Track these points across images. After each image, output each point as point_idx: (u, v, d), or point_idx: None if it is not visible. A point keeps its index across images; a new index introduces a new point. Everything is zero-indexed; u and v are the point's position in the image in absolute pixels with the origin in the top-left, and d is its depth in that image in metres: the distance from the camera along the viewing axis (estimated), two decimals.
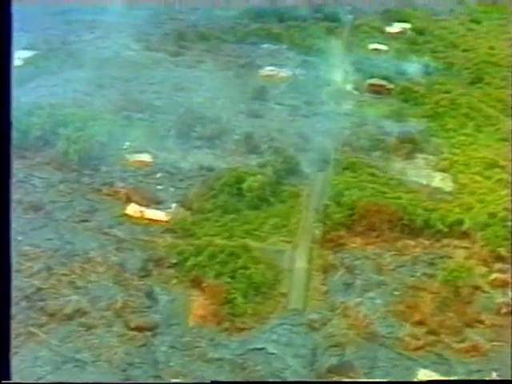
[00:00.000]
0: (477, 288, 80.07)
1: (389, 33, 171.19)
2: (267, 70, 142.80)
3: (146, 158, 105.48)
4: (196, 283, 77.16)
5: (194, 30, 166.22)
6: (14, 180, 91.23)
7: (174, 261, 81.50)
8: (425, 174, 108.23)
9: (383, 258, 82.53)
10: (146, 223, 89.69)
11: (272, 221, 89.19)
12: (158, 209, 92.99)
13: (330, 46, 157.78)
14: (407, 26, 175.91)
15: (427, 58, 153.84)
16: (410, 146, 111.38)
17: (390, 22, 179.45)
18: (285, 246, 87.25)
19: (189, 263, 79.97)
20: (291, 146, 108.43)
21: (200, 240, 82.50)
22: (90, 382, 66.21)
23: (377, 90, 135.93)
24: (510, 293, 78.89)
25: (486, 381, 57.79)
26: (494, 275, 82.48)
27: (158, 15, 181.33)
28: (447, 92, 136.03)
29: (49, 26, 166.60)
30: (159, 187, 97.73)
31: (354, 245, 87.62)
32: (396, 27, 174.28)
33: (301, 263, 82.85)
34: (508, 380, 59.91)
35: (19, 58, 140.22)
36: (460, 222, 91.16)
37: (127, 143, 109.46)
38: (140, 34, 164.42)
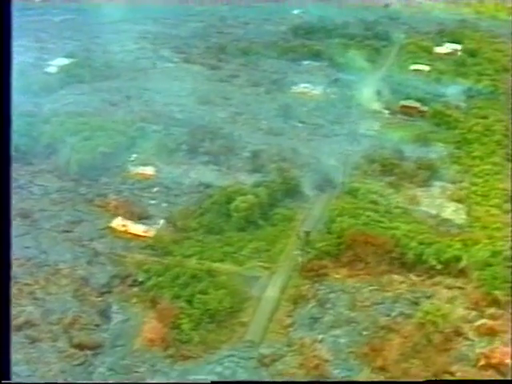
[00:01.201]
0: (459, 334, 70.88)
1: (437, 53, 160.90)
2: (301, 87, 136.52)
3: (149, 171, 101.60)
4: (153, 304, 72.47)
5: (236, 44, 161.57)
6: (14, 185, 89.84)
7: (140, 279, 77.32)
8: (437, 204, 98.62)
9: (362, 293, 74.23)
10: (129, 238, 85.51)
11: (255, 244, 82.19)
12: (145, 224, 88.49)
13: (371, 65, 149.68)
14: (458, 47, 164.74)
15: (472, 81, 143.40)
16: (428, 172, 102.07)
17: (441, 42, 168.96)
18: (261, 272, 79.76)
19: (150, 283, 75.29)
20: (300, 167, 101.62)
21: (169, 259, 77.81)
22: (90, 382, 64.66)
23: (409, 112, 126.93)
24: (496, 342, 70.09)
25: (486, 381, 58.15)
26: (482, 321, 73.08)
27: (207, 28, 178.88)
28: (484, 117, 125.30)
29: (97, 34, 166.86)
30: (152, 202, 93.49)
31: (337, 276, 79.65)
32: (446, 48, 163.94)
33: (272, 292, 75.66)
34: (508, 380, 60.72)
35: (55, 66, 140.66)
36: (457, 259, 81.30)
37: (135, 155, 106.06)
38: (184, 46, 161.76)
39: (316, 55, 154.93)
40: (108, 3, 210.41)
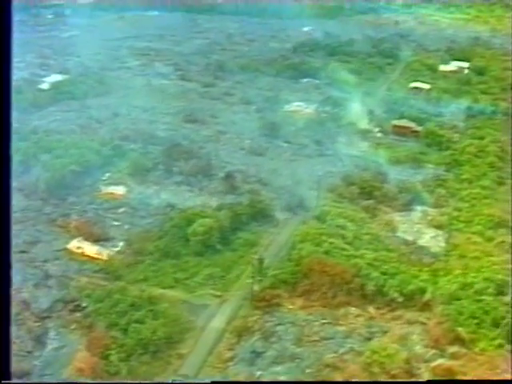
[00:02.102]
0: (411, 375, 65.05)
1: (442, 71, 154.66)
2: (294, 106, 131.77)
3: (119, 190, 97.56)
4: (89, 331, 68.34)
5: (236, 62, 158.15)
6: None
7: (84, 304, 73.28)
8: (415, 230, 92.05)
9: (312, 326, 68.37)
10: (84, 260, 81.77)
11: (210, 270, 76.97)
12: (104, 246, 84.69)
13: (371, 83, 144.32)
14: (465, 64, 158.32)
15: (474, 100, 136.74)
16: (410, 196, 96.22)
17: (449, 60, 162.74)
18: (212, 300, 74.25)
19: (90, 309, 71.25)
20: (276, 189, 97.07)
21: (113, 285, 73.60)
22: (90, 382, 60.88)
23: (401, 132, 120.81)
24: None
25: (485, 381, 55.58)
26: (439, 361, 67.08)
27: (211, 45, 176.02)
28: (480, 138, 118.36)
29: (99, 51, 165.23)
30: (115, 223, 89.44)
31: (290, 306, 73.84)
32: (452, 66, 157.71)
33: (218, 322, 70.23)
34: (508, 380, 57.69)
35: (48, 82, 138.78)
36: (422, 291, 75.96)
37: (108, 174, 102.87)
38: (184, 63, 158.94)
39: (315, 73, 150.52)
40: (119, 19, 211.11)
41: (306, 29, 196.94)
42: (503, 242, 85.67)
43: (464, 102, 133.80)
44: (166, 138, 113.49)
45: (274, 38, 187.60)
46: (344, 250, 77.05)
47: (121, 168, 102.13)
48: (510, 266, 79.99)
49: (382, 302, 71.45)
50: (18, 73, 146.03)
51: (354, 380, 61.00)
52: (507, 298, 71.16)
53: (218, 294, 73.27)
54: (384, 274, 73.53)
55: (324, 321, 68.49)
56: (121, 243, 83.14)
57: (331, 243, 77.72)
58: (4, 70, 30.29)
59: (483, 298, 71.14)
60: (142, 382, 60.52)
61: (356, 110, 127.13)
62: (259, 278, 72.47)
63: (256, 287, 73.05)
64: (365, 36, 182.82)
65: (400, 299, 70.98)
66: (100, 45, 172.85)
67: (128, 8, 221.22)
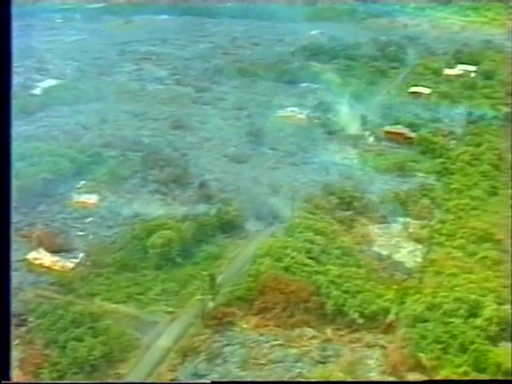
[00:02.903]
0: None
1: (446, 75, 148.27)
2: (287, 111, 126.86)
3: (91, 199, 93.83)
4: (28, 348, 64.83)
5: (236, 66, 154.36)
6: None
7: (31, 319, 69.86)
8: (393, 244, 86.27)
9: (262, 348, 63.46)
10: (42, 272, 78.52)
11: (166, 285, 72.21)
12: (64, 257, 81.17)
13: (370, 87, 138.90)
14: (472, 68, 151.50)
15: (477, 105, 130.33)
16: (392, 206, 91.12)
17: (454, 63, 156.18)
18: (162, 317, 69.55)
19: (32, 324, 67.78)
20: (253, 198, 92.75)
21: (60, 299, 70.00)
22: (89, 382, 59.12)
23: (394, 139, 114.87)
24: None
25: (485, 381, 54.36)
26: None
27: (214, 49, 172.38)
28: (477, 145, 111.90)
29: (100, 55, 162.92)
30: (80, 233, 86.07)
31: (244, 325, 68.81)
32: (457, 69, 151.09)
33: (164, 341, 65.37)
34: (508, 380, 55.86)
35: (41, 87, 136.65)
36: (385, 312, 70.64)
37: (83, 182, 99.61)
38: (182, 68, 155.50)
39: (315, 77, 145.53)
40: (127, 23, 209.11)
41: (313, 32, 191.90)
42: (485, 257, 79.77)
43: (465, 107, 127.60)
44: (149, 144, 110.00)
45: (280, 41, 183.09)
46: (306, 265, 72.09)
47: (97, 176, 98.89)
48: (489, 284, 74.78)
49: (341, 323, 66.33)
50: (14, 78, 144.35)
51: (355, 380, 58.08)
52: (478, 321, 65.56)
53: (170, 310, 69.16)
54: (346, 292, 68.41)
55: (276, 342, 63.75)
56: (81, 255, 79.65)
57: (293, 258, 72.88)
58: (4, 73, 31.58)
59: (452, 320, 65.61)
60: (141, 381, 58.18)
61: (349, 115, 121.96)
62: (211, 295, 68.12)
63: (210, 304, 68.85)
64: (372, 39, 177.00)
65: (360, 320, 65.87)
66: (102, 49, 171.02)
67: (138, 12, 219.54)
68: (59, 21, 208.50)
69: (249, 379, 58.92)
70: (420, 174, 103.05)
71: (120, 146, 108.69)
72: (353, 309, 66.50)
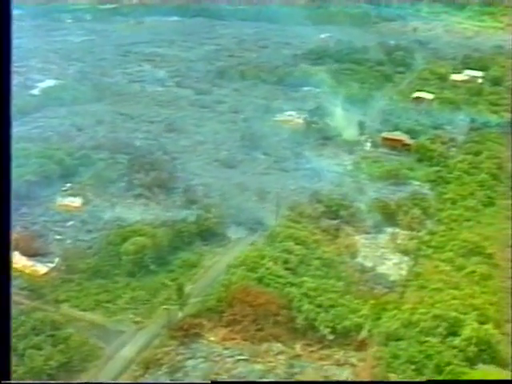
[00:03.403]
0: None
1: (453, 80, 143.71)
2: (285, 115, 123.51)
3: (75, 202, 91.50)
4: None
5: (239, 69, 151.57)
6: None
7: None
8: (378, 255, 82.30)
9: (226, 363, 59.89)
10: (14, 276, 75.84)
11: (136, 293, 69.82)
12: (40, 261, 78.98)
13: (372, 92, 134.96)
14: (479, 74, 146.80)
15: (481, 111, 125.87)
16: (380, 216, 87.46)
17: (462, 69, 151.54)
18: (129, 327, 66.18)
19: None
20: (237, 204, 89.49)
21: (26, 306, 67.58)
22: (89, 382, 57.63)
23: (392, 145, 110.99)
24: None
25: (485, 381, 53.20)
26: None
27: (220, 51, 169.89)
28: (476, 153, 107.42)
29: (105, 56, 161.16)
30: (59, 237, 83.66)
31: (212, 338, 65.70)
32: (464, 75, 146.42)
33: (128, 351, 62.04)
34: (508, 380, 54.66)
35: (40, 88, 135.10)
36: (359, 329, 67.02)
37: (69, 184, 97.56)
38: (185, 70, 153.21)
39: (317, 81, 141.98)
40: (137, 25, 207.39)
41: (323, 36, 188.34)
42: (474, 272, 75.74)
43: (469, 114, 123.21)
44: (140, 147, 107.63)
45: (288, 44, 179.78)
46: (280, 276, 68.85)
47: (84, 179, 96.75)
48: (474, 300, 70.73)
49: (312, 339, 63.02)
50: (16, 77, 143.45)
51: (355, 380, 56.49)
52: (457, 341, 61.71)
53: (138, 319, 66.44)
54: (319, 306, 65.02)
55: (241, 357, 60.68)
56: (57, 259, 77.31)
57: (268, 269, 69.69)
58: (4, 73, 30.18)
59: (428, 339, 61.87)
60: (141, 382, 56.45)
61: (348, 120, 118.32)
62: (178, 305, 65.24)
63: (180, 315, 66.01)
64: (379, 43, 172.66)
65: (331, 336, 62.44)
66: (107, 50, 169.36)
67: (149, 13, 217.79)
68: (69, 21, 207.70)
69: None
70: (415, 183, 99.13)
71: (111, 148, 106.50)
72: (324, 324, 63.10)
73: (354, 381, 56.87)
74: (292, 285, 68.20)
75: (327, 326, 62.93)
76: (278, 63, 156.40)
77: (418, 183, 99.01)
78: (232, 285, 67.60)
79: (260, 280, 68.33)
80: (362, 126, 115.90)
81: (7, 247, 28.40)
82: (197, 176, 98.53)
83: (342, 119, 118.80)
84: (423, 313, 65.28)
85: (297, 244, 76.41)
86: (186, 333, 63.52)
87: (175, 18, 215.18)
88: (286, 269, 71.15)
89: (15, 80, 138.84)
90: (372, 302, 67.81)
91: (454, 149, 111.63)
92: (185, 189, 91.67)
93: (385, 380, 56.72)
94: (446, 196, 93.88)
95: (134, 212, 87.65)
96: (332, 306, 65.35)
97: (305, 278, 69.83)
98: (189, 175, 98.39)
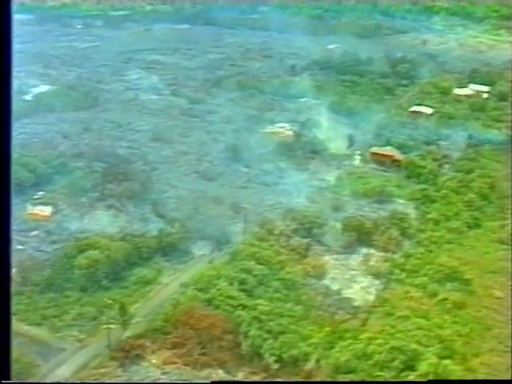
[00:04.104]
0: None
1: (456, 95, 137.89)
2: (276, 127, 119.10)
3: (45, 211, 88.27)
4: None
5: (237, 78, 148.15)
6: None
7: None
8: (347, 277, 77.43)
9: None
10: None
11: (83, 310, 66.25)
12: None
13: (369, 105, 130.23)
14: (485, 89, 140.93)
15: (482, 127, 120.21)
16: (355, 236, 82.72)
17: (468, 83, 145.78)
18: (72, 344, 62.02)
19: None
20: (208, 219, 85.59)
21: None
22: (92, 382, 56.57)
23: (381, 161, 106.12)
24: None
25: (485, 381, 52.18)
26: None
27: (223, 60, 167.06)
28: (469, 171, 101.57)
29: (106, 63, 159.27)
30: (20, 247, 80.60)
31: (154, 360, 61.29)
32: (468, 89, 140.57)
33: (64, 370, 57.61)
34: (508, 380, 53.83)
35: (33, 93, 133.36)
36: (307, 358, 62.37)
37: (41, 193, 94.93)
38: (183, 78, 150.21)
39: (315, 92, 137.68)
40: (145, 32, 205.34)
41: (331, 46, 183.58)
42: (446, 299, 70.65)
43: (468, 130, 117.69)
44: (121, 156, 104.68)
45: (294, 55, 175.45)
46: (232, 298, 64.76)
47: (58, 187, 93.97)
48: (441, 331, 65.61)
49: (257, 367, 58.83)
50: (14, 82, 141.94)
51: (355, 380, 54.86)
52: (412, 376, 56.84)
53: (83, 337, 62.97)
54: (268, 332, 60.81)
55: (179, 382, 56.71)
56: (13, 270, 74.23)
57: (220, 289, 65.69)
58: (4, 75, 30.42)
59: (381, 373, 57.20)
60: (141, 381, 55.06)
61: (339, 134, 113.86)
62: (120, 325, 61.57)
63: (127, 333, 62.38)
64: (387, 55, 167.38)
65: (276, 365, 58.08)
66: (110, 57, 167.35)
67: (161, 20, 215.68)
68: (79, 27, 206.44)
69: None
70: (399, 201, 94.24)
71: (91, 157, 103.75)
72: (270, 352, 58.91)
73: (354, 381, 54.83)
74: (244, 307, 64.08)
75: (273, 354, 58.71)
76: (279, 73, 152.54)
77: (402, 201, 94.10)
78: (179, 305, 63.82)
79: (210, 301, 64.41)
80: (352, 139, 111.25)
81: (7, 246, 28.40)
82: (172, 188, 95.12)
83: (333, 132, 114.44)
84: (380, 343, 60.56)
85: (258, 263, 72.23)
86: (127, 354, 59.93)
87: (186, 26, 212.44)
88: (241, 290, 67.04)
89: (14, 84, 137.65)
90: (328, 328, 63.29)
91: (447, 166, 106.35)
92: (155, 201, 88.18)
93: (385, 380, 54.81)
94: (429, 216, 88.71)
95: (101, 223, 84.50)
96: (282, 333, 61.05)
97: (259, 301, 65.67)
98: (164, 187, 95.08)
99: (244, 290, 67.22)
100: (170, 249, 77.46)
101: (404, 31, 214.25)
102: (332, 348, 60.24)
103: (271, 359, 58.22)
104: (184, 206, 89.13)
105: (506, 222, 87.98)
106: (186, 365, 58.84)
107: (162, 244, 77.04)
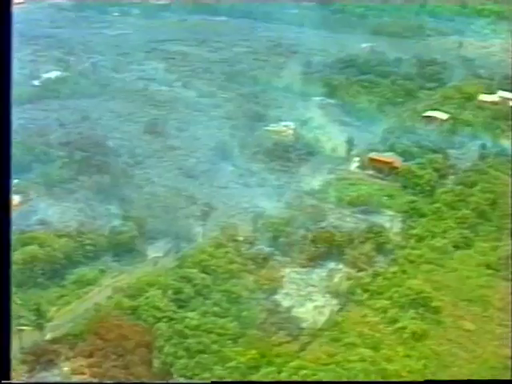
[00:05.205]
0: None
1: (480, 101, 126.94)
2: (280, 125, 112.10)
3: (14, 200, 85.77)
4: None
5: (254, 73, 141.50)
6: None
7: None
8: (303, 294, 69.00)
9: None
10: None
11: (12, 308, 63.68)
12: None
13: (383, 108, 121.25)
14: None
15: (498, 136, 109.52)
16: (326, 248, 75.18)
17: (496, 89, 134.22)
18: None
19: None
20: (175, 220, 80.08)
21: None
22: (91, 381, 54.64)
23: (378, 167, 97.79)
24: None
25: (486, 381, 49.39)
26: None
27: (247, 54, 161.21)
28: (470, 185, 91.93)
29: (128, 51, 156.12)
30: None
31: (66, 368, 56.61)
32: (495, 96, 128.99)
33: None
34: (508, 380, 51.96)
35: (42, 79, 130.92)
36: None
37: (16, 181, 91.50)
38: (199, 70, 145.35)
39: (331, 92, 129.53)
40: (180, 22, 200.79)
41: (364, 45, 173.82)
42: (404, 328, 62.52)
43: (483, 139, 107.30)
44: (109, 148, 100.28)
45: (322, 51, 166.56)
46: (158, 309, 59.09)
47: (34, 176, 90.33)
48: (386, 365, 57.67)
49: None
50: (30, 66, 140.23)
51: (355, 380, 52.96)
52: None
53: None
54: (186, 350, 54.74)
55: (179, 382, 51.81)
56: None
57: (148, 298, 60.01)
58: (4, 69, 28.55)
59: None
60: (141, 382, 53.02)
61: (343, 136, 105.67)
62: (35, 328, 56.87)
63: (48, 337, 57.71)
64: (417, 56, 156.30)
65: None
66: (134, 45, 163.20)
67: (198, 12, 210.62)
68: (115, 14, 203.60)
69: None
70: (387, 212, 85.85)
71: (79, 147, 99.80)
72: (180, 372, 52.97)
73: (354, 381, 53.09)
74: (169, 320, 58.41)
75: (183, 376, 52.70)
76: (298, 70, 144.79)
77: (390, 213, 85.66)
78: (100, 311, 58.55)
79: (134, 310, 59.02)
80: (351, 143, 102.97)
81: (7, 246, 26.77)
82: (149, 184, 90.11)
83: (336, 134, 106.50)
84: (307, 374, 53.59)
85: (203, 272, 66.21)
86: (40, 358, 55.34)
87: (222, 18, 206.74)
88: (174, 300, 61.34)
89: (25, 69, 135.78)
90: (255, 351, 56.47)
91: (452, 177, 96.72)
92: (123, 198, 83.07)
93: (385, 380, 53.19)
94: (413, 231, 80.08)
95: (63, 217, 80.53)
96: (200, 352, 55.01)
97: (190, 314, 59.82)
98: (141, 182, 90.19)
99: (177, 301, 61.48)
100: (123, 248, 72.53)
101: (447, 33, 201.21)
102: (251, 374, 53.65)
103: (180, 380, 52.28)
104: (154, 203, 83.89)
105: (500, 244, 78.37)
106: (93, 376, 53.69)
107: (114, 243, 72.09)
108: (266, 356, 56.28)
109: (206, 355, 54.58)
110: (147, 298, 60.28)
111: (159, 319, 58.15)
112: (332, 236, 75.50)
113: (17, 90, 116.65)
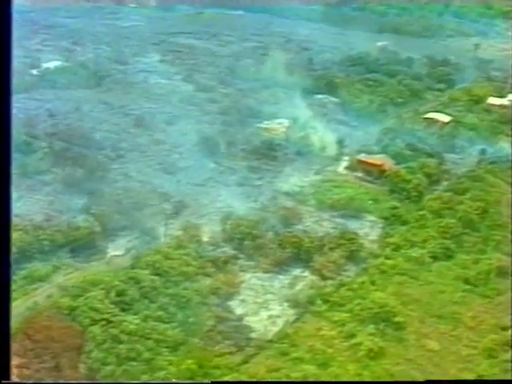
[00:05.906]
0: None
1: (489, 104, 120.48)
2: (274, 123, 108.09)
3: None
4: None
5: (257, 69, 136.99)
6: None
7: None
8: (259, 302, 65.36)
9: None
10: None
11: None
12: None
13: (384, 108, 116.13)
14: None
15: (501, 141, 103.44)
16: (293, 253, 70.85)
17: (508, 93, 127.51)
18: None
19: None
20: (143, 217, 76.75)
21: None
22: (88, 382, 53.32)
23: (367, 170, 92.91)
24: None
25: (486, 381, 51.00)
26: None
27: (255, 49, 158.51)
28: (462, 192, 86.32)
29: (134, 43, 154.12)
30: None
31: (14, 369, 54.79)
32: (505, 99, 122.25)
33: None
34: (508, 380, 52.07)
35: (41, 68, 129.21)
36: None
37: None
38: (204, 64, 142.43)
39: (334, 90, 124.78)
40: (196, 15, 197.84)
41: (379, 43, 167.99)
42: (360, 344, 57.94)
43: (485, 143, 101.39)
44: (93, 141, 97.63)
45: (334, 49, 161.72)
46: (96, 310, 55.83)
47: (12, 167, 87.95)
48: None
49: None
50: (33, 55, 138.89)
51: (355, 380, 52.93)
52: None
53: None
54: (116, 356, 51.35)
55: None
56: None
57: (87, 298, 56.91)
58: (4, 62, 28.37)
59: None
60: (141, 382, 51.42)
61: (336, 136, 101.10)
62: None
63: None
64: (429, 57, 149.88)
65: None
66: (144, 37, 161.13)
67: (217, 5, 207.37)
68: (132, 5, 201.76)
69: None
70: (369, 218, 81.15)
71: (63, 138, 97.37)
72: (106, 379, 49.42)
73: (354, 381, 52.37)
74: (107, 323, 54.97)
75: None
76: (305, 67, 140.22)
77: (372, 219, 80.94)
78: (35, 311, 55.65)
79: (72, 310, 55.83)
80: (342, 143, 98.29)
81: (7, 246, 27.30)
82: (125, 179, 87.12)
83: (329, 134, 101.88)
84: None
85: (154, 273, 62.76)
86: None
87: (239, 12, 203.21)
88: (116, 302, 57.97)
89: (28, 58, 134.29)
90: (191, 361, 52.78)
91: (445, 183, 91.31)
92: (93, 192, 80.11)
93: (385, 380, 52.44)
94: (391, 240, 75.20)
95: (30, 210, 77.83)
96: (131, 359, 51.57)
97: (130, 318, 56.40)
98: (117, 177, 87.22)
99: (119, 303, 58.09)
100: (82, 245, 69.46)
101: (469, 34, 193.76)
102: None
103: None
104: (125, 199, 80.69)
105: (483, 257, 72.92)
106: (21, 377, 50.67)
107: (72, 239, 69.05)
108: (203, 367, 52.61)
109: (135, 363, 51.25)
110: (87, 298, 57.20)
111: (96, 322, 55.00)
112: (300, 241, 71.18)
113: (15, 80, 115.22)
